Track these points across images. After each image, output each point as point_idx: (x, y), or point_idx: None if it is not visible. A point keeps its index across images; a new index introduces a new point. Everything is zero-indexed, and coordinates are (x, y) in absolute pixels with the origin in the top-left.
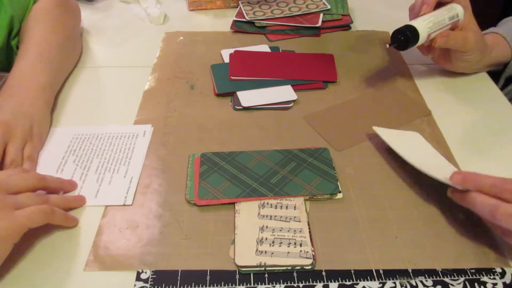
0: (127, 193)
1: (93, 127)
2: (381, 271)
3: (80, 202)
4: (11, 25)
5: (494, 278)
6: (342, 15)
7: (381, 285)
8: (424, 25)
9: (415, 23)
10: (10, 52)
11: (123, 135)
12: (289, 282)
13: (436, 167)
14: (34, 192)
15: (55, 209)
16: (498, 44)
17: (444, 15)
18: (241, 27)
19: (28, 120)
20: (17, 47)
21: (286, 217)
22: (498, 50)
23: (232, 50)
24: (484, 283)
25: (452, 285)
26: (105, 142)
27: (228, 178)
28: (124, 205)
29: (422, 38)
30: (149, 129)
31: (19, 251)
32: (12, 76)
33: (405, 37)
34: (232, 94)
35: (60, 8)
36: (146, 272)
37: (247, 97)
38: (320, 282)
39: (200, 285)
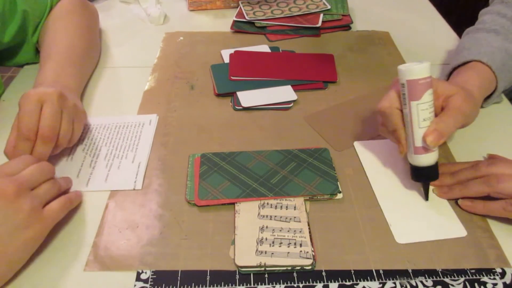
0: (136, 177)
1: (99, 118)
2: (381, 271)
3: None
4: (24, 20)
5: (494, 278)
6: (342, 15)
7: (381, 285)
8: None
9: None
10: (28, 47)
11: (129, 124)
12: (289, 282)
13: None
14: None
15: (71, 197)
16: (483, 79)
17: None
18: (241, 27)
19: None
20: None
21: (286, 217)
22: (486, 85)
23: (232, 50)
24: (484, 283)
25: (452, 285)
26: (112, 131)
27: (228, 178)
28: (134, 189)
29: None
30: (155, 118)
31: None
32: (45, 75)
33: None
34: (232, 94)
35: (81, 9)
36: (146, 272)
37: (247, 97)
38: (320, 282)
39: (200, 285)
